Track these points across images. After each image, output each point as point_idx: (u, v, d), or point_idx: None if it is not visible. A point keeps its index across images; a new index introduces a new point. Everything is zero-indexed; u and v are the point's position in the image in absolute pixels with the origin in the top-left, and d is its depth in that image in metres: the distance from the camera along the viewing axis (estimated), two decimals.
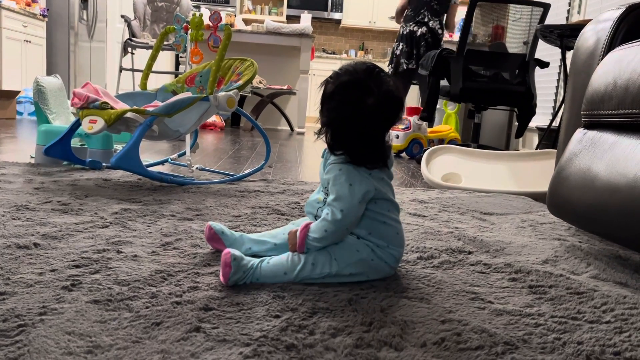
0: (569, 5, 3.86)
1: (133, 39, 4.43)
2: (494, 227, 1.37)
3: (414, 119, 3.38)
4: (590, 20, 1.52)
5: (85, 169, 1.86)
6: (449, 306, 0.78)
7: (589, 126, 1.18)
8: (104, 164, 1.87)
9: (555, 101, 3.98)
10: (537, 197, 1.90)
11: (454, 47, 3.15)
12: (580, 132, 1.20)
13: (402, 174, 2.51)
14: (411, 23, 3.93)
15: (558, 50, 3.06)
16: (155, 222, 1.17)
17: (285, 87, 4.99)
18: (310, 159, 2.92)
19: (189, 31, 1.98)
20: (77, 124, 1.73)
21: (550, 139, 3.06)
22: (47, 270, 0.81)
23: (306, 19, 5.21)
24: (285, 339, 0.63)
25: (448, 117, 4.80)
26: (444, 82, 3.19)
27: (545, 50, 3.63)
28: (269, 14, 7.70)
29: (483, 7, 5.30)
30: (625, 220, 0.96)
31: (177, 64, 6.48)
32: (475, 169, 2.27)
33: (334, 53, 7.96)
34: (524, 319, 0.74)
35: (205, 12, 4.79)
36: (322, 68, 7.17)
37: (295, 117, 5.21)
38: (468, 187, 2.06)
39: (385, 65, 4.81)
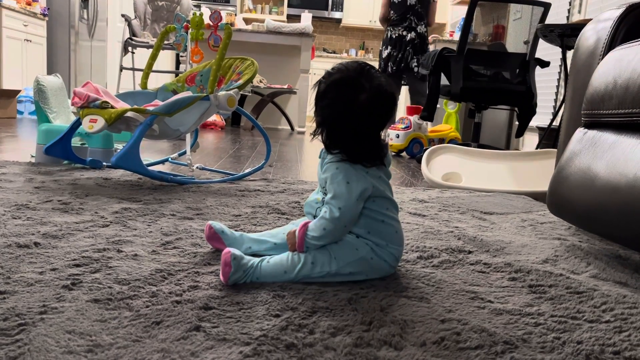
0: (570, 4, 3.86)
1: (133, 38, 4.43)
2: (494, 227, 1.37)
3: (414, 119, 3.37)
4: (590, 19, 1.52)
5: (85, 168, 1.86)
6: (448, 305, 0.78)
7: (589, 126, 1.18)
8: (104, 163, 1.87)
9: (555, 101, 3.98)
10: (537, 196, 1.90)
11: (454, 47, 3.15)
12: (580, 132, 1.20)
13: (402, 174, 2.52)
14: (399, 27, 4.01)
15: (558, 50, 3.05)
16: (156, 221, 1.18)
17: (285, 87, 4.99)
18: (311, 158, 2.92)
19: (190, 30, 1.98)
20: (77, 123, 1.73)
21: (551, 138, 3.05)
22: (47, 270, 0.82)
23: (307, 18, 5.21)
24: (285, 338, 0.64)
25: (448, 116, 4.80)
26: (444, 82, 3.19)
27: (546, 50, 3.63)
28: (270, 13, 7.70)
29: (483, 6, 5.29)
30: (625, 219, 0.96)
31: (178, 63, 6.49)
32: (475, 169, 2.27)
33: (334, 52, 7.97)
34: (524, 319, 0.74)
35: (206, 11, 4.80)
36: (322, 67, 7.14)
37: (295, 116, 5.21)
38: (468, 187, 2.06)
39: None
